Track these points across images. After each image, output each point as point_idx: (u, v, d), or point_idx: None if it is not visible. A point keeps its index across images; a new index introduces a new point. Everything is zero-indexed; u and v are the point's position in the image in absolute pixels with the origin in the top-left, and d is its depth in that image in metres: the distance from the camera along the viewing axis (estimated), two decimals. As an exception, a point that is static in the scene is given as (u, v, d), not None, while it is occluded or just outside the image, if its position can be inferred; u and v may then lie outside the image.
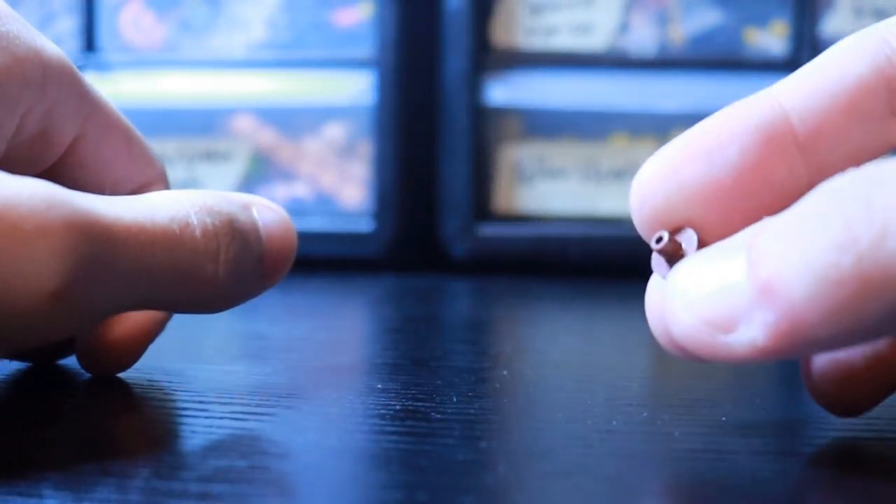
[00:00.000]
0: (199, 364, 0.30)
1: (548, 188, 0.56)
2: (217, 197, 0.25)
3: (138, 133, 0.28)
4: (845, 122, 0.21)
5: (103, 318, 0.23)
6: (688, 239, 0.21)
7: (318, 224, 0.56)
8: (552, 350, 0.35)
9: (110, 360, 0.27)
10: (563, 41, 0.56)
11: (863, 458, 0.22)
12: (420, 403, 0.25)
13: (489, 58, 0.56)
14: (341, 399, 0.26)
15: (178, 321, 0.29)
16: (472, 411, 0.25)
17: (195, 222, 0.23)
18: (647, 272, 0.22)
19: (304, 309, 0.45)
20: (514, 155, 0.56)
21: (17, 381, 0.28)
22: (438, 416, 0.24)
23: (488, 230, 0.55)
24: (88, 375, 0.28)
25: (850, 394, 0.22)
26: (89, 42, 0.59)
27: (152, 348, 0.28)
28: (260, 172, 0.57)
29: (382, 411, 0.25)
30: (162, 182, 0.29)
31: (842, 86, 0.21)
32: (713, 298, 0.19)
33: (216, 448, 0.22)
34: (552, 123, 0.56)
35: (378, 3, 0.56)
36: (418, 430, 0.23)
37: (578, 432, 0.23)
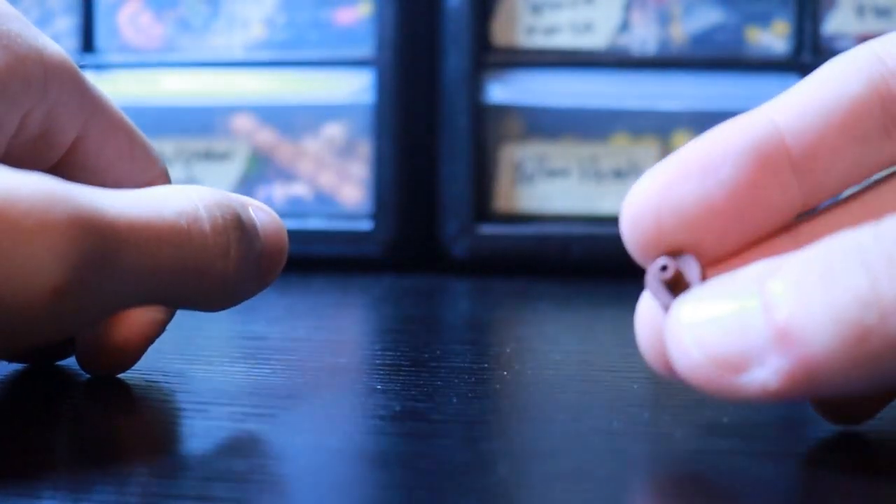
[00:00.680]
0: (199, 365, 0.30)
1: (548, 188, 0.56)
2: (221, 193, 0.24)
3: (140, 132, 0.28)
4: (840, 141, 0.20)
5: (108, 315, 0.23)
6: (689, 266, 0.20)
7: (317, 224, 0.56)
8: (552, 350, 0.35)
9: (110, 361, 0.27)
10: (564, 40, 0.56)
11: (864, 458, 0.22)
12: (420, 404, 0.25)
13: (489, 57, 0.56)
14: (341, 400, 0.26)
15: (178, 322, 0.29)
16: (471, 412, 0.25)
17: (205, 217, 0.23)
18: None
19: (303, 309, 0.45)
20: (515, 154, 0.56)
21: (17, 381, 0.28)
22: (438, 416, 0.24)
23: (488, 230, 0.55)
24: (88, 376, 0.28)
25: (851, 405, 0.22)
26: (87, 41, 0.59)
27: (152, 349, 0.28)
28: (259, 172, 0.57)
29: (382, 412, 0.25)
30: (164, 181, 0.29)
31: (836, 105, 0.20)
32: (724, 336, 0.19)
33: (215, 449, 0.22)
34: (553, 123, 0.56)
35: (377, 2, 0.56)
36: (418, 431, 0.23)
37: (579, 433, 0.23)
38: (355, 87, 0.56)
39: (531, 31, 0.56)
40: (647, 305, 0.21)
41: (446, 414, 0.24)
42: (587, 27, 0.56)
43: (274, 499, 0.19)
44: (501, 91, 0.56)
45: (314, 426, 0.24)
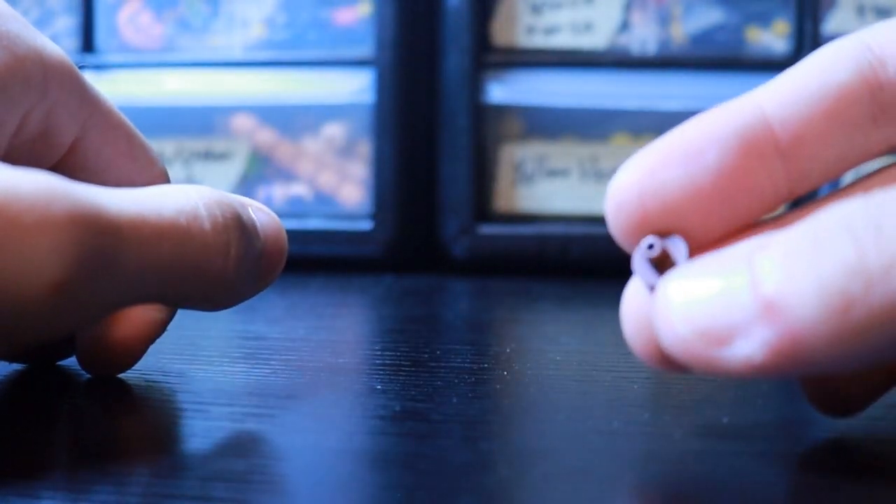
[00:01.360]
0: (199, 365, 0.30)
1: (548, 188, 0.56)
2: (221, 192, 0.25)
3: (139, 133, 0.28)
4: (827, 128, 0.20)
5: (108, 313, 0.23)
6: (676, 246, 0.20)
7: (317, 224, 0.56)
8: (552, 350, 0.35)
9: (110, 361, 0.27)
10: (564, 40, 0.56)
11: (864, 459, 0.22)
12: (420, 404, 0.25)
13: (489, 57, 0.56)
14: (341, 400, 0.26)
15: (178, 322, 0.29)
16: (471, 412, 0.25)
17: (205, 215, 0.23)
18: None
19: (303, 309, 0.45)
20: (515, 154, 0.56)
21: (17, 381, 0.28)
22: (438, 416, 0.24)
23: (488, 230, 0.55)
24: (88, 375, 0.28)
25: (842, 395, 0.22)
26: (87, 41, 0.59)
27: (152, 349, 0.28)
28: (259, 172, 0.57)
29: (382, 412, 0.25)
30: (163, 182, 0.29)
31: (824, 92, 0.20)
32: (710, 310, 0.18)
33: (215, 449, 0.22)
34: (553, 123, 0.56)
35: (377, 2, 0.56)
36: (418, 432, 0.23)
37: (579, 433, 0.23)
38: (355, 87, 0.56)
39: (531, 31, 0.56)
40: (633, 292, 0.21)
41: (446, 414, 0.24)
42: (587, 27, 0.56)
43: (274, 499, 0.19)
44: (501, 91, 0.56)
45: (314, 426, 0.24)
